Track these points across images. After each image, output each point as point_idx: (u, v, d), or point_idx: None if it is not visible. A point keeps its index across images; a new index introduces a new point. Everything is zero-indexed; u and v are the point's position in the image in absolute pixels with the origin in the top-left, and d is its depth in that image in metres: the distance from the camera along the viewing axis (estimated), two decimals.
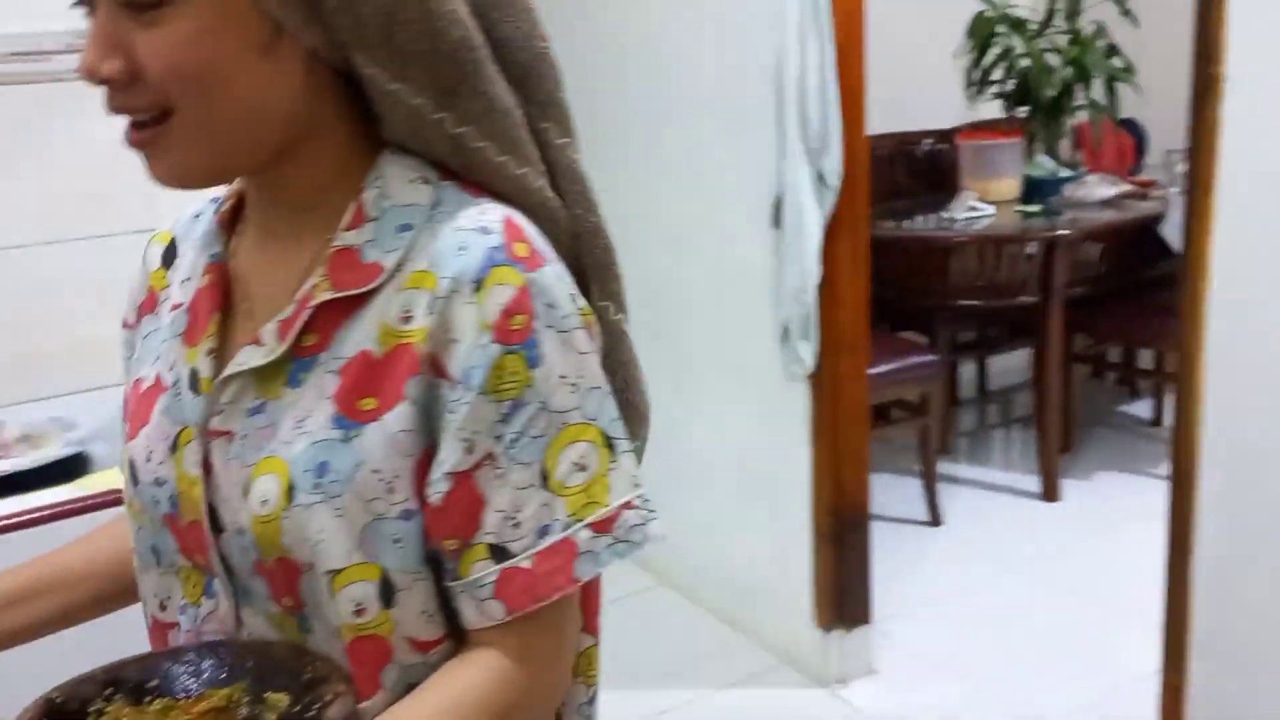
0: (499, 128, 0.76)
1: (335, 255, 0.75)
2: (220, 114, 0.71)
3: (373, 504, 0.73)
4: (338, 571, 0.73)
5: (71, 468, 1.82)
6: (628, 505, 0.75)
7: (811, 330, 2.50)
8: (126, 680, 0.74)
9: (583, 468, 0.73)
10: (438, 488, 0.72)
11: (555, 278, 0.74)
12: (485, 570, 0.73)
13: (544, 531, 0.72)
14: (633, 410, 0.84)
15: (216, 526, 0.77)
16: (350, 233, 0.76)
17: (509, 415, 0.72)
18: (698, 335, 2.98)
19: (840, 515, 2.62)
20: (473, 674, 0.74)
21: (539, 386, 0.72)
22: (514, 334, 0.71)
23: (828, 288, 2.48)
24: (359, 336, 0.74)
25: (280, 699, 0.71)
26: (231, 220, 0.84)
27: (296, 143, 0.75)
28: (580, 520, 0.73)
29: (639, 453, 0.88)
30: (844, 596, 2.67)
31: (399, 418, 0.72)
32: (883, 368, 3.15)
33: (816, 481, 2.62)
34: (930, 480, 3.48)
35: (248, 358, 0.76)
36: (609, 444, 0.75)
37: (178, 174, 0.73)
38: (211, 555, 0.77)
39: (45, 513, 1.59)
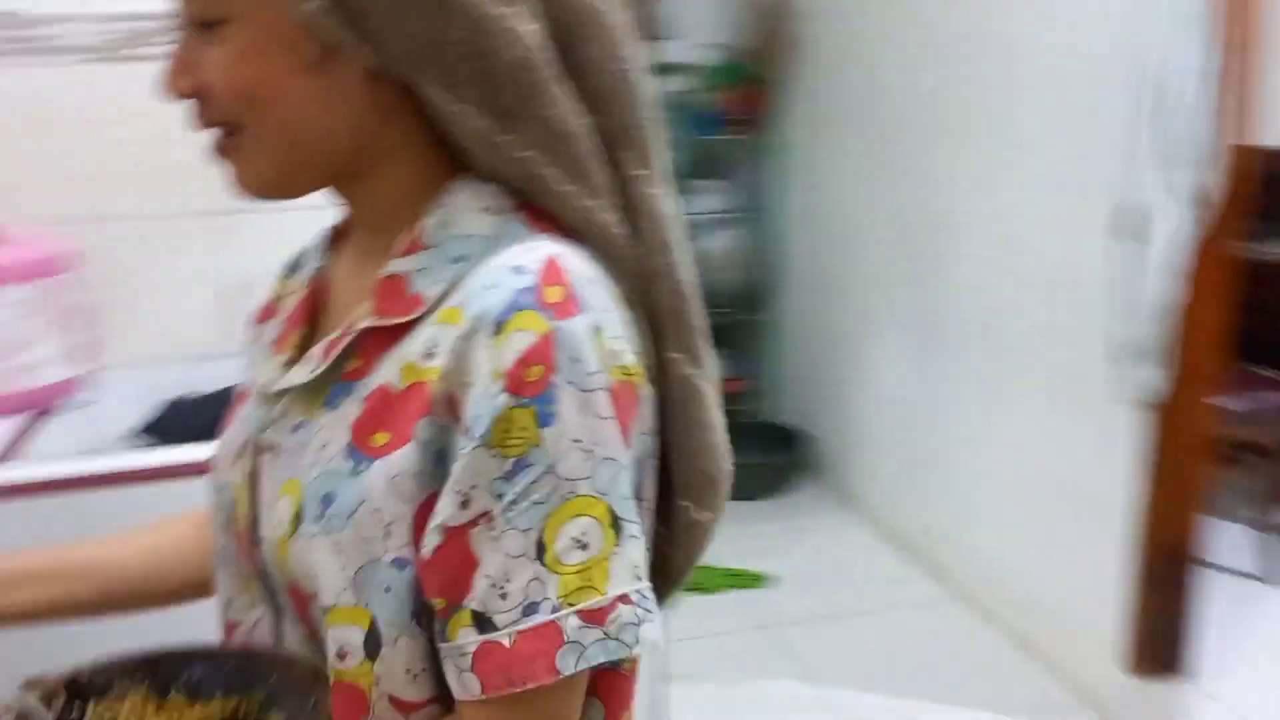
0: (565, 154, 0.71)
1: (384, 282, 0.73)
2: (278, 130, 0.71)
3: (369, 545, 0.68)
4: (330, 608, 0.70)
5: None
6: (624, 599, 0.66)
7: (1158, 354, 2.31)
8: (163, 667, 0.75)
9: (583, 545, 0.65)
10: (430, 540, 0.67)
11: (588, 330, 0.66)
12: (467, 639, 0.66)
13: (530, 609, 0.65)
14: (703, 478, 0.78)
15: (256, 538, 0.76)
16: (402, 259, 0.72)
17: (511, 474, 0.65)
18: (1019, 340, 2.83)
19: (1169, 555, 2.42)
20: None
21: (548, 447, 0.65)
22: (527, 386, 0.65)
23: (1184, 310, 2.28)
24: (390, 367, 0.71)
25: (277, 719, 0.72)
26: (339, 236, 0.84)
27: (369, 161, 0.73)
28: (571, 605, 0.65)
29: (708, 529, 0.81)
30: (1163, 644, 2.47)
31: (404, 459, 0.68)
32: (1234, 403, 2.87)
33: (1147, 516, 2.42)
34: (1269, 531, 3.14)
35: (295, 374, 0.75)
36: (616, 524, 0.66)
37: (251, 185, 0.74)
38: (254, 564, 0.77)
39: None
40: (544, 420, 0.64)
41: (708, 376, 0.77)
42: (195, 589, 0.93)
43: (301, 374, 0.75)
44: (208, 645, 0.79)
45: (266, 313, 0.87)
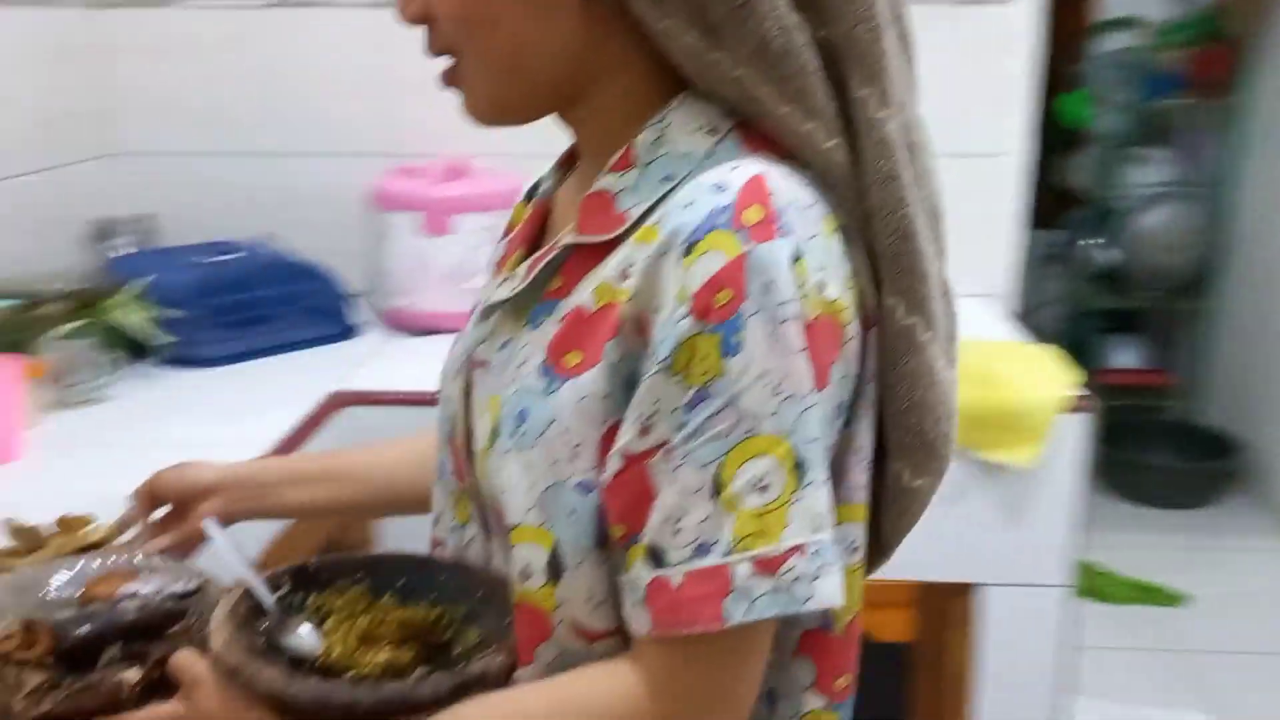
0: (780, 73, 0.65)
1: (591, 198, 0.70)
2: (494, 54, 0.69)
3: (556, 465, 0.67)
4: (515, 527, 0.69)
5: None
6: (799, 550, 0.62)
7: None
8: (381, 570, 0.77)
9: (762, 488, 0.61)
10: (611, 465, 0.65)
11: (784, 255, 0.62)
12: (641, 572, 0.63)
13: (702, 549, 0.61)
14: (917, 440, 0.71)
15: (470, 452, 0.76)
16: (611, 176, 0.70)
17: (693, 404, 0.62)
18: None
19: None
20: (601, 683, 0.66)
21: (731, 379, 0.61)
22: (714, 311, 0.61)
23: None
24: (587, 287, 0.69)
25: (474, 636, 0.73)
26: (569, 160, 0.82)
27: (590, 83, 0.71)
28: (745, 550, 0.61)
29: (921, 498, 0.74)
30: None
31: (593, 380, 0.66)
32: None
33: None
34: None
35: (501, 290, 0.75)
36: (798, 469, 0.62)
37: (476, 111, 0.73)
38: (469, 480, 0.76)
39: None
40: (729, 349, 0.61)
41: (931, 327, 0.70)
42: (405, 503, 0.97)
43: (505, 290, 0.75)
44: (425, 555, 0.81)
45: (505, 234, 0.87)
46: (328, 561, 0.78)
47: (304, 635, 0.71)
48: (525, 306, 0.74)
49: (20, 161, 1.91)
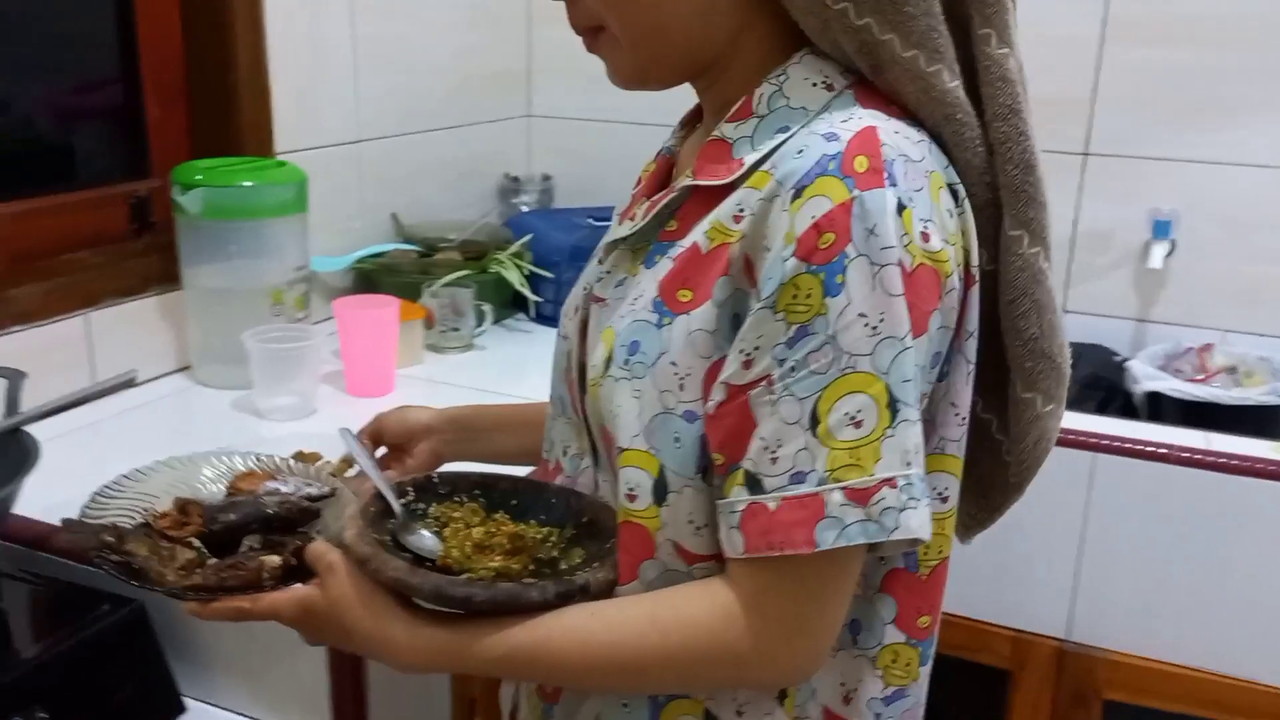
0: (902, 16, 0.69)
1: (709, 145, 0.75)
2: (639, 23, 0.73)
3: (664, 395, 0.71)
4: (624, 450, 0.73)
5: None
6: (890, 483, 0.65)
7: None
8: (496, 489, 0.83)
9: (856, 423, 0.65)
10: (715, 396, 0.69)
11: (890, 203, 0.64)
12: (739, 497, 0.68)
13: (798, 477, 0.66)
14: (1049, 363, 0.76)
15: (583, 385, 0.79)
16: (729, 125, 0.74)
17: (794, 340, 0.65)
18: None
19: None
20: (697, 598, 0.70)
21: (831, 317, 0.64)
22: (818, 252, 0.64)
23: None
24: (701, 228, 0.73)
25: (577, 555, 0.77)
26: (694, 118, 0.85)
27: (723, 42, 0.74)
28: (838, 481, 0.65)
29: (1053, 424, 0.79)
30: None
31: (702, 316, 0.70)
32: None
33: None
34: None
35: (620, 229, 0.80)
36: (892, 406, 0.65)
37: (621, 77, 0.77)
38: (581, 412, 0.80)
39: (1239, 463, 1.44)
40: (830, 289, 0.64)
41: (1049, 257, 0.74)
42: None
43: (624, 229, 0.79)
44: (536, 479, 0.87)
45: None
46: (448, 476, 0.85)
47: (425, 537, 0.77)
48: (642, 247, 0.78)
49: (443, 117, 2.06)
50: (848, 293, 0.64)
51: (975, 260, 0.72)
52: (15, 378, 1.05)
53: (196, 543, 0.78)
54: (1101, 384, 1.85)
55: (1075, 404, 1.88)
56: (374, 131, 1.89)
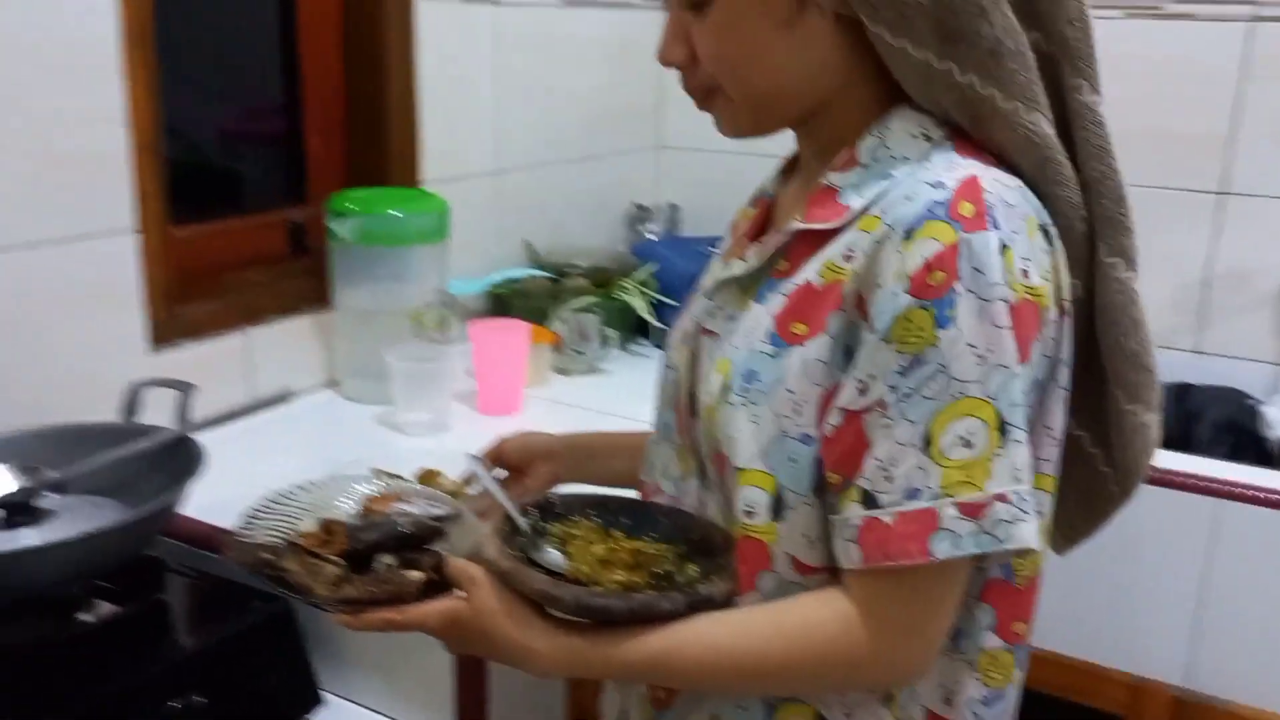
0: (1005, 72, 0.75)
1: (818, 192, 0.80)
2: (755, 83, 0.80)
3: (781, 420, 0.77)
4: (741, 470, 0.79)
5: None
6: (1002, 498, 0.70)
7: None
8: (609, 509, 0.89)
9: (968, 444, 0.70)
10: (831, 419, 0.74)
11: (995, 244, 0.70)
12: (854, 513, 0.73)
13: (912, 494, 0.71)
14: (1149, 375, 0.82)
15: (693, 411, 0.85)
16: (837, 174, 0.79)
17: (907, 368, 0.71)
18: None
19: None
20: (816, 607, 0.76)
21: (943, 348, 0.70)
22: (929, 289, 0.70)
23: None
24: (813, 267, 0.78)
25: (693, 570, 0.82)
26: (792, 164, 0.91)
27: (828, 96, 0.80)
28: (950, 496, 0.70)
29: (1155, 432, 0.85)
30: None
31: (817, 347, 0.76)
32: None
33: None
34: None
35: (733, 269, 0.85)
36: (1002, 428, 0.70)
37: (732, 131, 0.84)
38: (689, 437, 0.86)
39: None
40: (942, 323, 0.70)
41: (1131, 265, 0.80)
42: None
43: (738, 267, 0.85)
44: (645, 500, 0.92)
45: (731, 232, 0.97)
46: (564, 497, 0.91)
47: (553, 554, 0.83)
48: (753, 284, 0.83)
49: (577, 148, 2.15)
50: (958, 325, 0.69)
51: (1066, 294, 0.78)
52: (185, 389, 1.16)
53: (337, 559, 0.85)
54: (1235, 428, 1.80)
55: (1207, 448, 1.84)
56: (512, 162, 1.99)
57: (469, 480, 1.03)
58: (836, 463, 0.74)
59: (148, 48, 1.34)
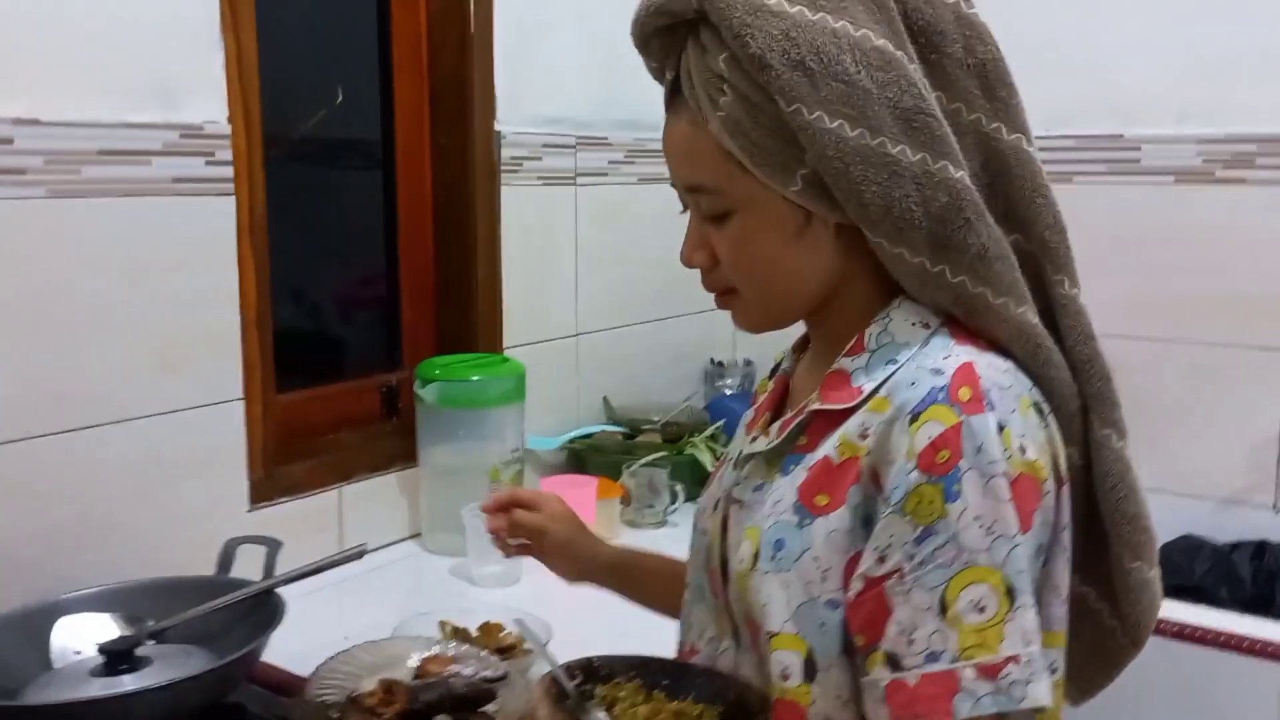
0: (992, 273, 0.83)
1: (831, 375, 0.87)
2: (769, 287, 0.87)
3: (809, 586, 0.82)
4: (774, 635, 0.83)
5: None
6: (1014, 659, 0.75)
7: None
8: (649, 671, 0.91)
9: (980, 609, 0.75)
10: (854, 586, 0.79)
11: (992, 425, 0.77)
12: (881, 675, 0.77)
13: (933, 657, 0.75)
14: (1148, 535, 0.89)
15: (725, 577, 0.90)
16: (847, 359, 0.87)
17: (920, 538, 0.76)
18: None
19: None
20: None
21: (952, 520, 0.75)
22: (937, 466, 0.76)
23: None
24: (831, 443, 0.84)
25: None
26: (804, 344, 0.98)
27: (833, 292, 0.88)
28: (969, 659, 0.74)
29: (1159, 586, 0.91)
30: None
31: (839, 518, 0.81)
32: None
33: None
34: None
35: (758, 445, 0.92)
36: (1010, 594, 0.75)
37: (749, 327, 0.92)
38: (723, 600, 0.91)
39: None
40: (949, 496, 0.76)
41: (1122, 436, 0.87)
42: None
43: (761, 444, 0.91)
44: (683, 661, 0.97)
45: (753, 402, 1.05)
46: (607, 660, 0.94)
47: (601, 716, 0.87)
48: (777, 458, 0.89)
49: (654, 309, 2.28)
50: (964, 499, 0.75)
51: (1064, 464, 0.84)
52: (273, 545, 1.29)
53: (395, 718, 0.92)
54: None
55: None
56: (592, 325, 2.13)
57: (525, 638, 1.11)
58: (861, 626, 0.79)
59: (260, 236, 1.52)
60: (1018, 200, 0.86)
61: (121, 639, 1.17)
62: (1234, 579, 1.84)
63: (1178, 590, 1.87)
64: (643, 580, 1.17)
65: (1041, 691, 0.75)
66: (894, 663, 0.76)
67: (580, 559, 1.19)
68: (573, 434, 2.02)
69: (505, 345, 1.93)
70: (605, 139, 2.10)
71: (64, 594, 1.24)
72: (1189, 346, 2.05)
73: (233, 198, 1.47)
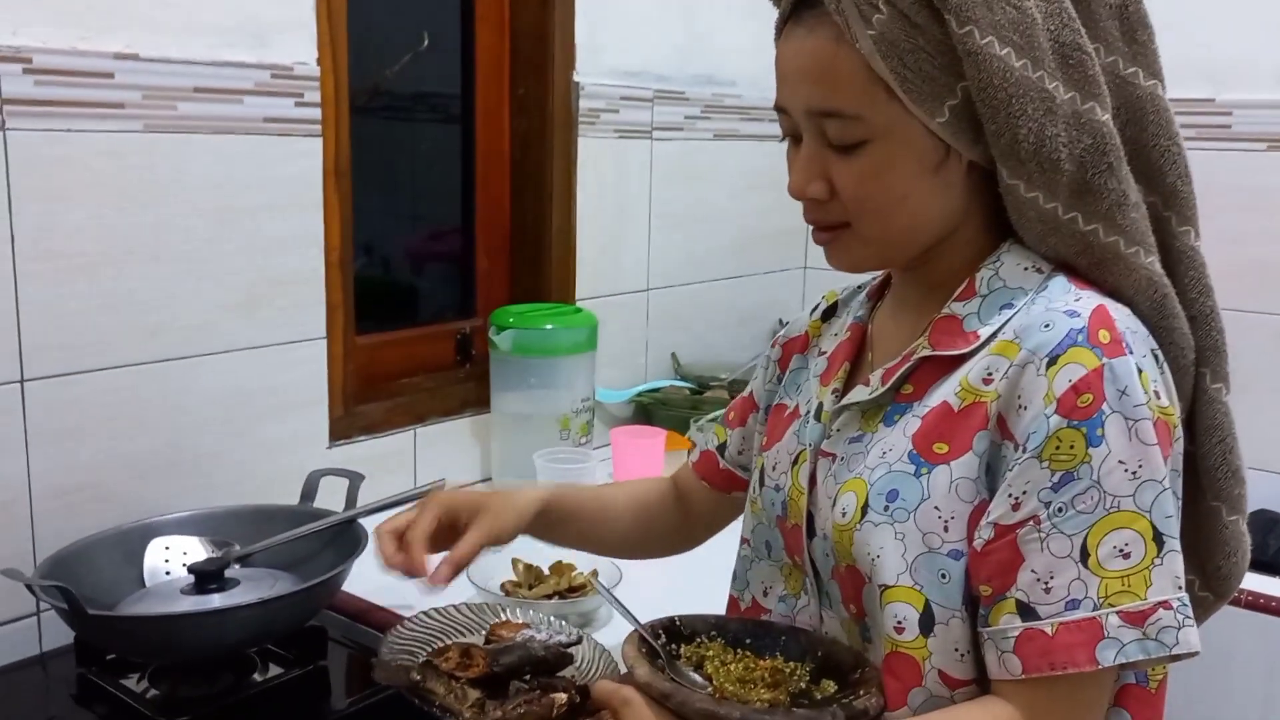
0: (1126, 221, 0.80)
1: (941, 321, 0.84)
2: (892, 224, 0.83)
3: (928, 537, 0.79)
4: (888, 587, 0.80)
5: None
6: (1165, 605, 0.72)
7: None
8: (729, 630, 0.90)
9: (1125, 555, 0.72)
10: (982, 534, 0.76)
11: (1134, 368, 0.75)
12: (1010, 624, 0.74)
13: (1073, 605, 0.73)
14: (1241, 487, 0.87)
15: (811, 532, 0.88)
16: (958, 303, 0.84)
17: (1059, 485, 0.74)
18: None
19: None
20: (980, 714, 0.77)
21: (1095, 465, 0.73)
22: (1078, 410, 0.73)
23: None
24: (946, 389, 0.81)
25: (829, 686, 0.84)
26: (879, 291, 0.96)
27: (946, 235, 0.84)
28: (1112, 605, 0.72)
29: (1247, 533, 0.89)
30: None
31: (964, 466, 0.78)
32: None
33: None
34: None
35: (857, 395, 0.88)
36: (1158, 539, 0.73)
37: (850, 266, 0.87)
38: (804, 556, 0.89)
39: None
40: (1093, 441, 0.73)
41: (1229, 390, 0.86)
42: (635, 549, 1.16)
43: (863, 394, 0.87)
44: (764, 620, 0.94)
45: (797, 344, 1.02)
46: (688, 619, 0.92)
47: (695, 676, 0.84)
48: (877, 409, 0.87)
49: (724, 268, 2.28)
50: (1108, 444, 0.73)
51: (1179, 415, 0.82)
52: (355, 479, 1.32)
53: (474, 683, 0.88)
54: None
55: None
56: (663, 281, 2.13)
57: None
58: (990, 576, 0.76)
59: (344, 180, 1.55)
60: (1151, 148, 0.84)
61: (210, 560, 1.22)
62: None
63: (1252, 565, 1.84)
64: (565, 521, 1.07)
65: (1194, 638, 0.73)
66: (1028, 612, 0.74)
67: (510, 509, 1.02)
68: (640, 388, 2.04)
69: (577, 297, 1.94)
70: (683, 93, 2.10)
71: (156, 516, 1.29)
72: (1272, 317, 2.00)
73: (319, 139, 1.50)
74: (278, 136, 1.45)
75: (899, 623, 0.80)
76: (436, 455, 1.75)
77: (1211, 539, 0.88)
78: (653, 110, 2.04)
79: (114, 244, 1.31)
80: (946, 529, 0.78)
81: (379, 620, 1.30)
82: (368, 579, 1.23)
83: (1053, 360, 0.75)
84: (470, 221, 1.93)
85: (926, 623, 0.79)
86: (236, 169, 1.41)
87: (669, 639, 0.88)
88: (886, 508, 0.81)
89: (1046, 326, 0.77)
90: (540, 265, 1.92)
